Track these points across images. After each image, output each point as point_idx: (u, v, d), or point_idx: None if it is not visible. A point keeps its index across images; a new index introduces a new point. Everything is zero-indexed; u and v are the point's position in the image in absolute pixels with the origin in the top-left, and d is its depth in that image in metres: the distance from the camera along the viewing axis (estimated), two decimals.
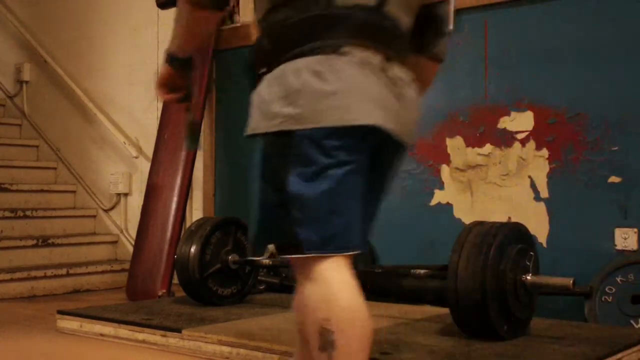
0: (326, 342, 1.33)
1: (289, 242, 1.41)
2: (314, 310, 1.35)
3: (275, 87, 1.44)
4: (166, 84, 1.69)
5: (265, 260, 3.31)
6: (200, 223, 3.23)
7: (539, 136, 3.18)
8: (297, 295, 1.42)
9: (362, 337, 1.35)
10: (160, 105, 4.43)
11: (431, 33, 1.65)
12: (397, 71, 1.48)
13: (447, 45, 1.70)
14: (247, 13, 4.18)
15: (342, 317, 1.33)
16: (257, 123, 1.45)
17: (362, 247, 1.44)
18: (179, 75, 1.67)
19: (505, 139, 3.27)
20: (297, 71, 1.42)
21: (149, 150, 4.43)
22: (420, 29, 1.63)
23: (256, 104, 1.47)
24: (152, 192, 4.16)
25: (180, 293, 3.38)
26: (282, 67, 1.44)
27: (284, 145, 1.41)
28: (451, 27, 1.66)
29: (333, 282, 1.37)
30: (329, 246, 1.38)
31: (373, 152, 1.48)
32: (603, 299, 2.87)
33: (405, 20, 1.53)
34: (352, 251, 1.41)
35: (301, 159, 1.40)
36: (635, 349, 2.37)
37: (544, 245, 3.12)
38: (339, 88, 1.40)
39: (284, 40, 1.47)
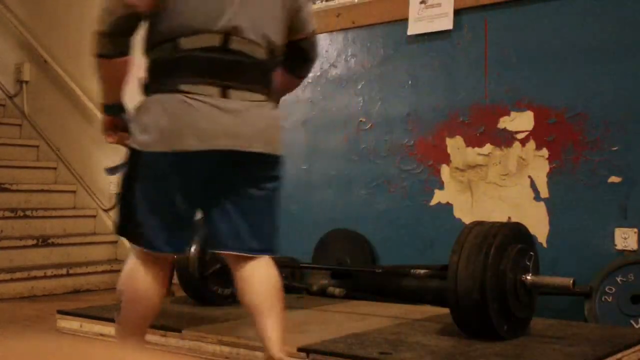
0: (117, 305, 2.02)
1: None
2: (119, 282, 2.03)
3: (138, 114, 1.94)
4: (111, 129, 2.07)
5: None
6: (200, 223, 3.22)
7: (539, 136, 3.18)
8: None
9: (141, 311, 1.97)
10: None
11: (298, 60, 2.19)
12: (238, 97, 1.91)
13: (311, 67, 2.28)
14: None
15: (128, 292, 1.98)
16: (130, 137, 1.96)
17: (154, 245, 1.93)
18: (117, 119, 2.04)
19: (505, 139, 3.28)
20: (148, 103, 1.92)
21: None
22: (291, 57, 2.14)
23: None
24: None
25: (180, 293, 3.38)
26: (145, 99, 1.94)
27: (133, 159, 1.93)
28: (314, 55, 2.24)
29: (131, 266, 1.98)
30: (132, 239, 1.97)
31: (222, 165, 1.94)
32: (603, 299, 2.87)
33: (258, 52, 1.97)
34: (142, 247, 1.94)
35: (140, 172, 1.92)
36: (635, 349, 2.37)
37: (544, 245, 3.12)
38: (170, 122, 1.86)
39: (148, 77, 1.96)
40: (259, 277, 2.01)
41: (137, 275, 1.96)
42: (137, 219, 1.93)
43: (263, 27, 1.97)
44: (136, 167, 1.93)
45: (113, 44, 1.90)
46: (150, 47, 1.96)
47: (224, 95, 1.90)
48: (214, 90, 1.89)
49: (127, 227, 1.97)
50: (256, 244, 2.00)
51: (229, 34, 1.91)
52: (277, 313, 1.99)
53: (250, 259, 2.00)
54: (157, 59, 1.95)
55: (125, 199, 1.97)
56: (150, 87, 1.94)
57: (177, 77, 1.89)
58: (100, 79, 1.99)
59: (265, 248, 2.03)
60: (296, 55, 2.16)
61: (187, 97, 1.87)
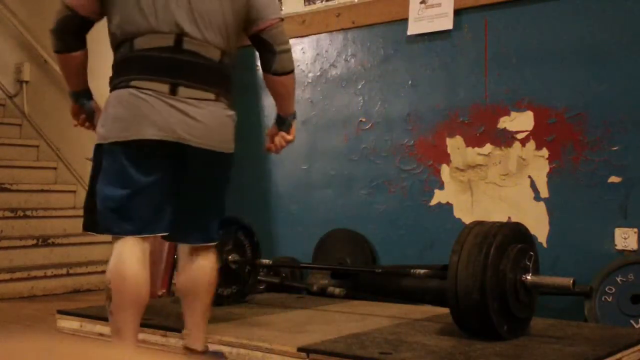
0: (107, 295, 2.02)
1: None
2: (106, 273, 2.05)
3: (102, 111, 2.08)
4: (77, 114, 2.26)
5: (265, 260, 3.31)
6: None
7: (539, 136, 3.18)
8: None
9: (131, 295, 2.00)
10: None
11: (265, 54, 2.16)
12: (187, 94, 1.99)
13: (288, 60, 2.17)
14: None
15: (116, 279, 2.01)
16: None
17: (138, 230, 2.05)
18: (80, 105, 2.24)
19: (505, 139, 3.28)
20: (107, 101, 2.04)
21: None
22: (260, 53, 2.17)
23: None
24: None
25: None
26: (108, 96, 2.05)
27: (97, 154, 2.05)
28: (281, 47, 2.14)
29: (115, 254, 2.05)
30: (108, 229, 2.08)
31: (179, 159, 2.04)
32: (603, 299, 2.87)
33: (212, 52, 2.04)
34: (118, 233, 2.06)
35: (106, 167, 2.02)
36: (635, 349, 2.37)
37: (544, 245, 3.12)
38: (124, 114, 1.98)
39: (111, 76, 2.08)
40: (197, 268, 2.19)
41: (122, 265, 2.03)
42: (106, 208, 2.04)
43: (216, 27, 2.05)
44: (100, 161, 2.04)
45: (60, 41, 2.09)
46: (114, 47, 2.09)
47: (173, 92, 1.99)
48: (164, 87, 1.99)
49: (97, 219, 2.08)
50: (200, 237, 2.18)
51: (181, 34, 2.01)
52: (202, 302, 2.19)
53: (194, 248, 2.19)
54: (117, 58, 2.08)
55: (92, 193, 2.08)
56: (111, 85, 2.07)
57: (131, 74, 2.00)
58: (60, 69, 2.23)
59: (209, 238, 2.19)
60: (263, 50, 2.17)
61: (139, 91, 1.98)
